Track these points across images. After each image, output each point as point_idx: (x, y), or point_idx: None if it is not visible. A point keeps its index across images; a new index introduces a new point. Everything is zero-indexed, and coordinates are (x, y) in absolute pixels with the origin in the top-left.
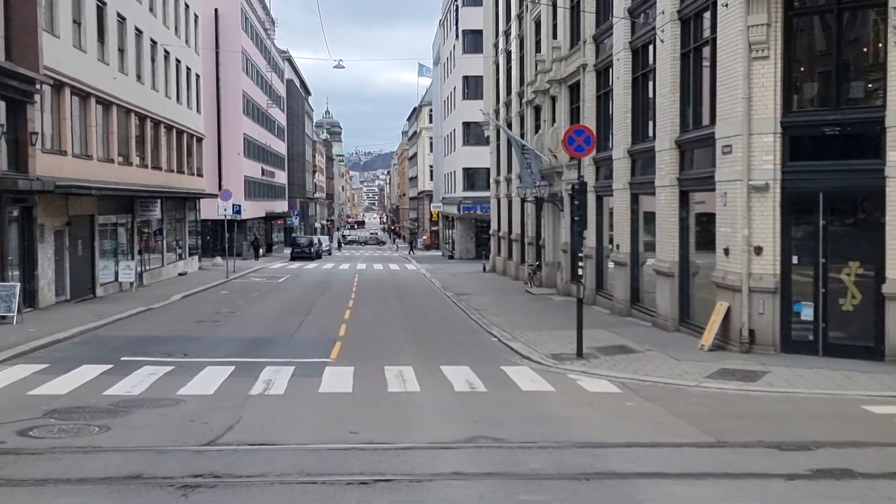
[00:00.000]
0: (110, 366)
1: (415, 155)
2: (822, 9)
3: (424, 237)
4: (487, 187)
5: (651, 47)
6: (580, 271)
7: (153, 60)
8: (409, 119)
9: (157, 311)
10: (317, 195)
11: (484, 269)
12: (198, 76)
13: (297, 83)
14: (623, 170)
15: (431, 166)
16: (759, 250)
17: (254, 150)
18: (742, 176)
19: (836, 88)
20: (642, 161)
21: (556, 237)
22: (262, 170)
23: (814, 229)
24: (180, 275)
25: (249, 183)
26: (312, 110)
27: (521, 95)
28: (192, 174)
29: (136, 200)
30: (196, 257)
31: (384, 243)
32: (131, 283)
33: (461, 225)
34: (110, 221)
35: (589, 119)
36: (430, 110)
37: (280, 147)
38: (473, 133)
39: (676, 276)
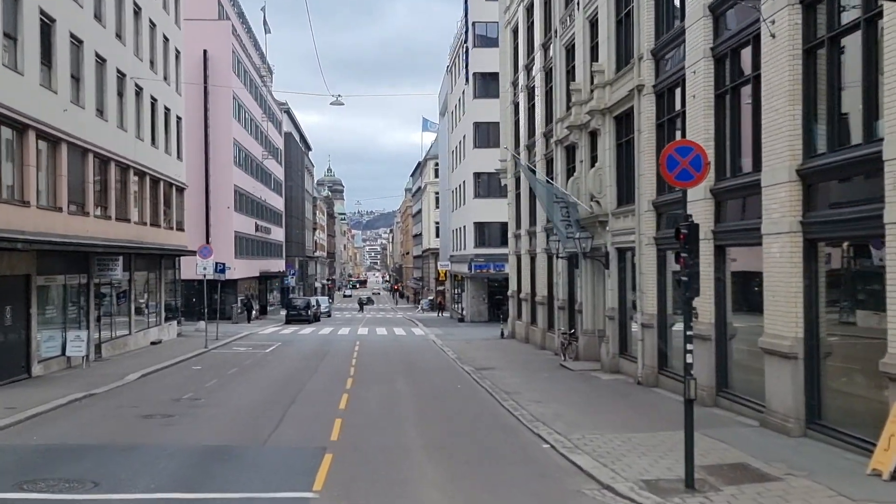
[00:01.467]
0: None
1: (419, 212)
2: None
3: (431, 297)
4: (502, 243)
5: (748, 49)
6: (689, 358)
7: (120, 95)
8: (412, 175)
9: (97, 398)
10: (317, 254)
11: (502, 334)
12: (179, 118)
13: (297, 137)
14: (703, 215)
15: (437, 223)
16: None
17: (247, 203)
18: None
19: None
20: (733, 202)
21: (596, 300)
22: (257, 225)
23: None
24: (153, 343)
25: (241, 239)
26: (313, 166)
27: (547, 136)
28: (171, 228)
29: (92, 257)
30: (174, 322)
31: (372, 302)
32: (84, 358)
33: (472, 285)
34: (56, 282)
35: (647, 154)
36: (436, 164)
37: (277, 202)
38: (485, 184)
39: (801, 359)
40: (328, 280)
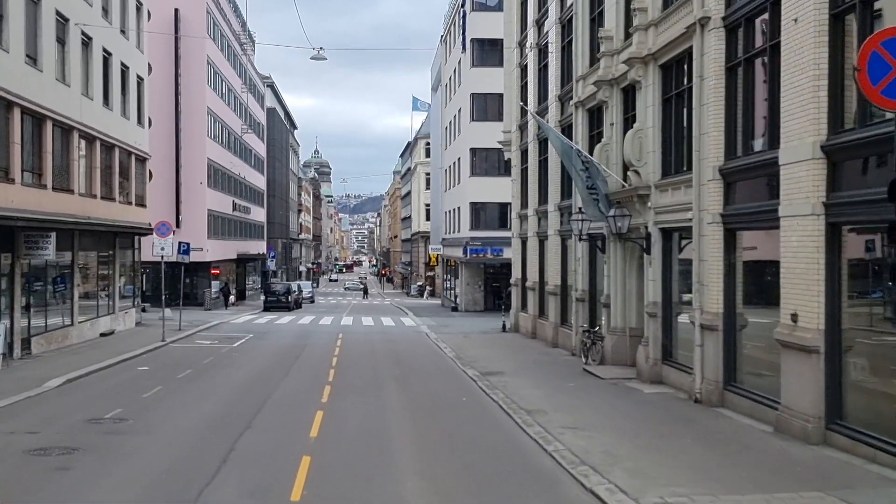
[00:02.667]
0: None
1: (408, 193)
2: None
3: (420, 283)
4: (500, 226)
5: None
6: None
7: (61, 42)
8: (402, 155)
9: None
10: (302, 236)
11: (504, 327)
12: (141, 79)
13: (282, 114)
14: (808, 182)
15: (428, 205)
16: None
17: (223, 180)
18: None
19: None
20: (856, 164)
21: (628, 292)
22: (234, 204)
23: None
24: (103, 335)
25: (216, 218)
26: (299, 145)
27: (563, 99)
28: (129, 203)
29: (18, 233)
30: (133, 310)
31: (366, 291)
32: (2, 356)
33: (467, 271)
34: None
35: (713, 106)
36: (427, 144)
37: (258, 180)
38: (482, 161)
39: None
40: (314, 263)
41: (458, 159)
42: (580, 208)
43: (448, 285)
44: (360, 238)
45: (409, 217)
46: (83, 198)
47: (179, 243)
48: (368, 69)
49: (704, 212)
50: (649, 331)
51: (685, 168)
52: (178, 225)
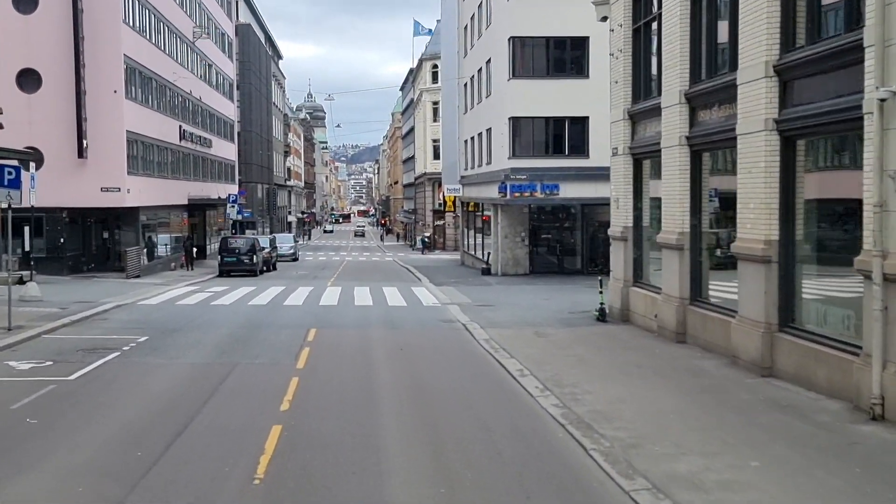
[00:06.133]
0: None
1: (411, 131)
2: None
3: (427, 234)
4: (556, 151)
5: None
6: None
7: None
8: (402, 88)
9: None
10: (291, 182)
11: (602, 314)
12: None
13: (261, 36)
14: None
15: (436, 141)
16: None
17: (158, 92)
18: None
19: None
20: None
21: None
22: (183, 131)
23: None
24: None
25: (147, 147)
26: (284, 77)
27: None
28: None
29: None
30: None
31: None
32: None
33: (505, 217)
34: None
35: None
36: (435, 66)
37: (224, 107)
38: (528, 58)
39: None
40: (304, 213)
41: (489, 61)
42: None
43: (468, 238)
44: (357, 188)
45: (412, 157)
46: None
47: (3, 168)
48: (370, 19)
49: None
50: None
51: None
52: (80, 154)
